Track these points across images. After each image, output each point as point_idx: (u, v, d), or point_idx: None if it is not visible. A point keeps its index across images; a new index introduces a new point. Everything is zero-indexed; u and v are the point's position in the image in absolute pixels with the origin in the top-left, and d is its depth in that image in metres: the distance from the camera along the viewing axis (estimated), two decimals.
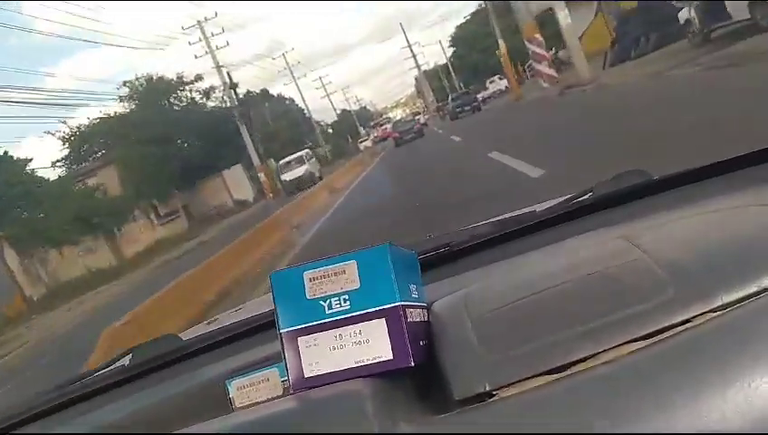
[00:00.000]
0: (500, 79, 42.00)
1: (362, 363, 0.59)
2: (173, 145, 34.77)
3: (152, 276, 18.30)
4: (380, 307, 0.60)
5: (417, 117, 48.33)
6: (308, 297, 0.61)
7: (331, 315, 0.60)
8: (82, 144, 34.59)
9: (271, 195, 32.41)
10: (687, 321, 0.49)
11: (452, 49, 60.39)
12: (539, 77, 22.76)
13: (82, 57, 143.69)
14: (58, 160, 33.69)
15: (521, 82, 33.17)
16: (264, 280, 6.94)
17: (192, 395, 0.84)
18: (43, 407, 0.98)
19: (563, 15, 17.04)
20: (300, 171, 31.72)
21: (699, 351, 0.46)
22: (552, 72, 21.87)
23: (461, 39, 55.57)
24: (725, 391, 0.43)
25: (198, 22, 34.37)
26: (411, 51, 68.62)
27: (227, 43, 35.14)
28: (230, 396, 0.72)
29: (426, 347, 0.61)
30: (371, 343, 0.59)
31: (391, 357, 0.58)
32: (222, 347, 0.97)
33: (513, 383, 0.50)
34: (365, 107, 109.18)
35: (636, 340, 0.49)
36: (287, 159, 33.58)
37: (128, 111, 35.65)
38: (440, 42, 72.80)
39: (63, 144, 33.74)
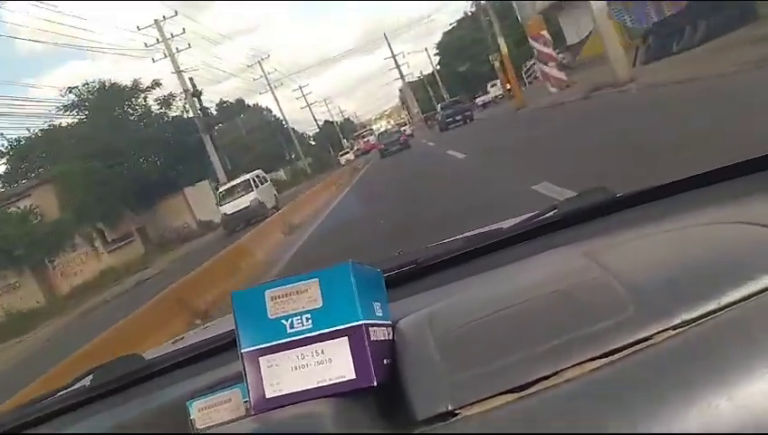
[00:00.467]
0: (491, 86, 38.94)
1: (325, 383, 0.58)
2: (127, 159, 30.31)
3: (88, 319, 15.23)
4: (343, 326, 0.59)
5: (402, 128, 45.95)
6: (270, 316, 0.60)
7: (293, 335, 0.60)
8: (21, 161, 29.45)
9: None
10: (648, 338, 0.49)
11: (438, 57, 57.14)
12: (546, 81, 20.38)
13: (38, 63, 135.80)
14: None
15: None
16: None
17: (153, 416, 0.83)
18: (1, 429, 0.96)
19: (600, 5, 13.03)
20: (245, 201, 22.07)
21: (660, 368, 0.46)
22: (561, 74, 20.42)
23: (447, 46, 52.21)
24: (687, 408, 0.43)
25: (156, 21, 29.61)
26: (395, 60, 66.12)
27: (189, 45, 30.87)
28: (191, 418, 0.70)
29: (389, 366, 0.61)
30: (334, 363, 0.59)
31: (354, 377, 0.58)
32: (185, 367, 0.95)
33: (475, 402, 0.50)
34: (349, 118, 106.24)
35: (597, 358, 0.49)
36: (228, 184, 24.08)
37: (75, 121, 31.01)
38: (426, 49, 69.93)
39: None
